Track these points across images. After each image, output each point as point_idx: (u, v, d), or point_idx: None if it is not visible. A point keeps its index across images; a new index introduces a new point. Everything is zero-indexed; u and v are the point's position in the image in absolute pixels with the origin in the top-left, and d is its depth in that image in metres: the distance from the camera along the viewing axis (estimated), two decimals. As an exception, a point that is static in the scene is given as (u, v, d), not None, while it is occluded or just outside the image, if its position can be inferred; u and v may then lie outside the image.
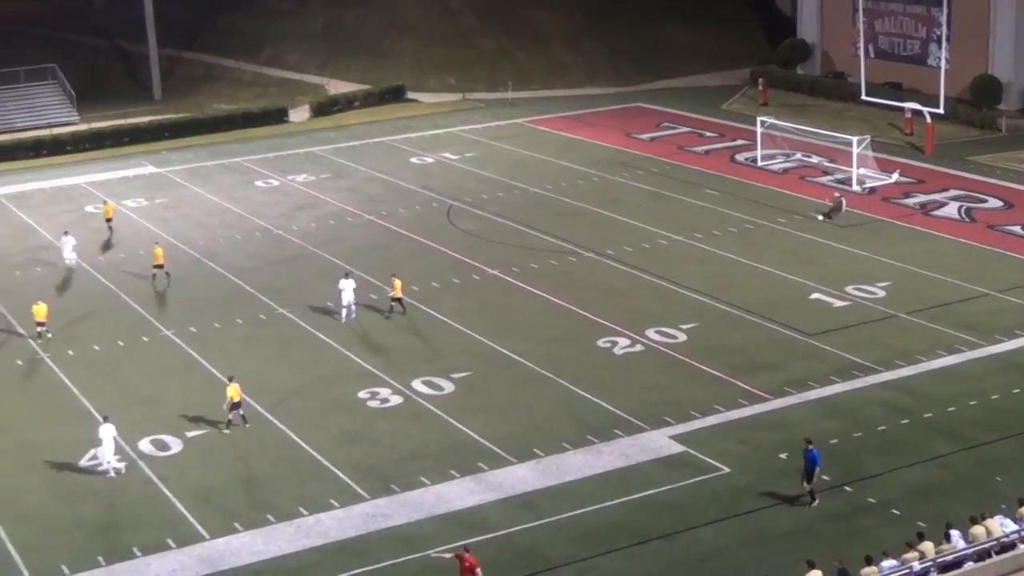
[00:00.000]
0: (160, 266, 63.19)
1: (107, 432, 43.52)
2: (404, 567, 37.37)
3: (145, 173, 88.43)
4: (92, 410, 48.94)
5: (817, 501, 40.05)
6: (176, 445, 45.81)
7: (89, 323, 58.58)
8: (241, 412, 46.71)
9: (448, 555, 36.21)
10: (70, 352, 55.13)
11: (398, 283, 57.27)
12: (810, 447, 40.17)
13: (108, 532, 40.11)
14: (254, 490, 42.41)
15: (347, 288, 56.60)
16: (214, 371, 52.16)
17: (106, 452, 43.56)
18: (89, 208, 78.23)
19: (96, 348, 55.53)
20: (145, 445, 45.78)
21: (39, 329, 55.98)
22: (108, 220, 72.96)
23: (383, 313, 57.23)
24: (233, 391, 46.54)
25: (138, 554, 38.73)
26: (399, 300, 57.08)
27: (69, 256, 66.13)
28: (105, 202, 75.08)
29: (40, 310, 56.15)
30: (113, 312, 60.04)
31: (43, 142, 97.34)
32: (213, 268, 66.03)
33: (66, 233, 67.50)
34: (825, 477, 40.70)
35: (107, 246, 70.24)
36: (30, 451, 45.22)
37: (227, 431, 46.52)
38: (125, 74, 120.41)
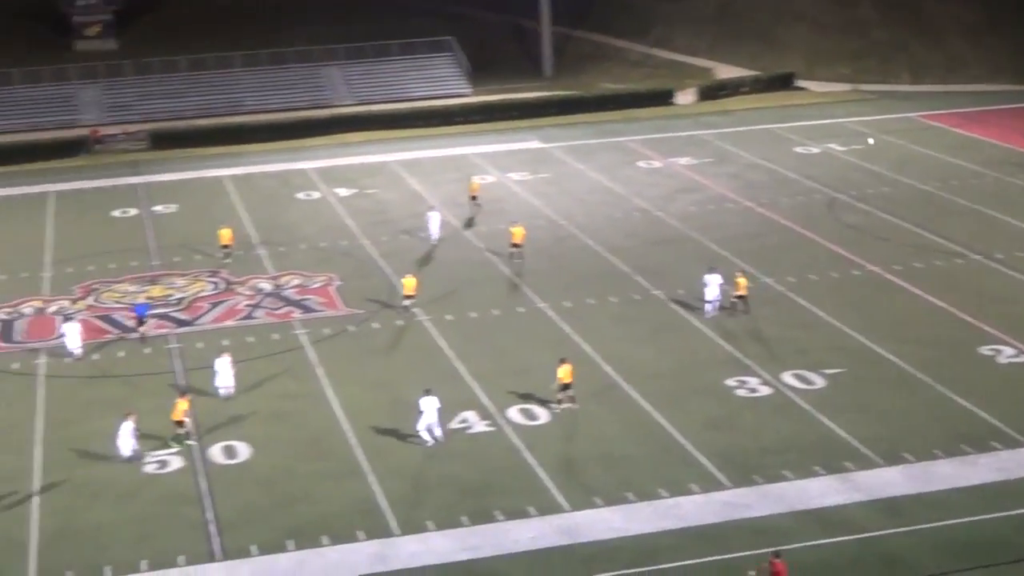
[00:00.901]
0: (518, 246, 63.64)
1: (429, 404, 44.30)
2: (759, 559, 36.66)
3: (530, 147, 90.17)
4: (464, 374, 50.23)
5: None
6: (543, 415, 46.42)
7: (467, 291, 60.06)
8: (570, 393, 46.82)
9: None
10: (448, 317, 56.68)
11: (742, 281, 55.92)
12: None
13: (472, 494, 41.01)
14: (616, 467, 42.52)
15: (712, 283, 55.74)
16: (585, 347, 52.65)
17: (425, 421, 44.29)
18: (479, 178, 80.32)
19: (473, 315, 56.89)
20: (513, 413, 46.60)
21: (406, 302, 57.18)
22: (473, 197, 73.90)
23: (732, 307, 56.02)
24: (564, 372, 46.65)
25: (500, 518, 39.45)
26: (742, 298, 55.79)
27: (434, 230, 67.53)
28: (472, 179, 76.10)
29: (409, 283, 57.33)
30: (490, 282, 61.40)
31: (436, 112, 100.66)
32: (590, 245, 66.66)
33: (432, 208, 69.35)
34: None
35: (470, 223, 71.41)
36: (403, 408, 46.68)
37: (558, 411, 46.74)
38: (518, 50, 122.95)
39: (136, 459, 43.34)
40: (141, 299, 59.01)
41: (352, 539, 38.47)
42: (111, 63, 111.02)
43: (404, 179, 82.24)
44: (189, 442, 44.52)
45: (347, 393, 48.79)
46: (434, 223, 67.79)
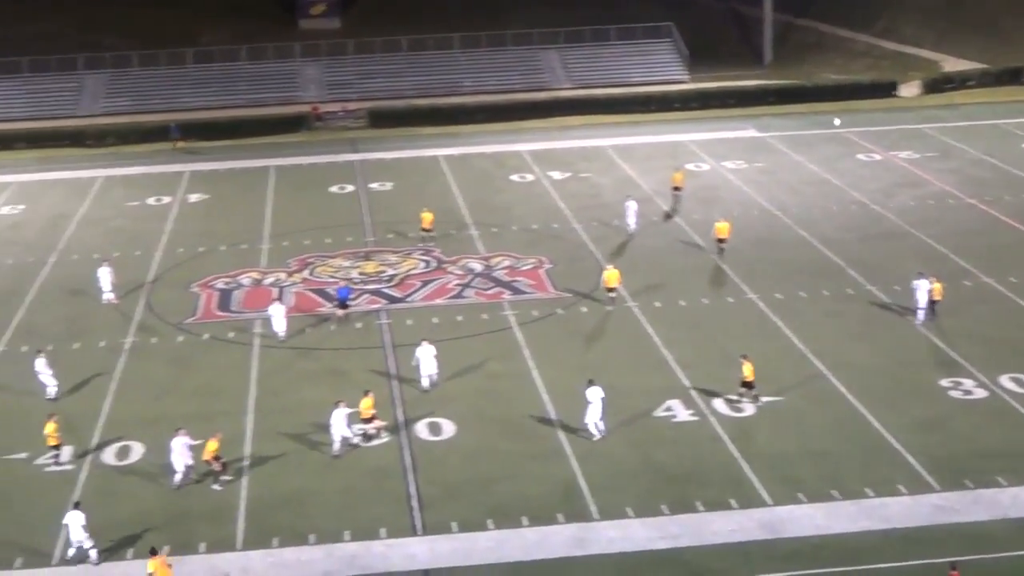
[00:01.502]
0: (723, 241, 62.43)
1: (595, 395, 43.66)
2: (967, 565, 35.59)
3: (746, 136, 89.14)
4: (671, 361, 49.88)
5: None
6: (749, 408, 45.78)
7: (676, 278, 59.60)
8: (754, 392, 45.97)
9: None
10: (656, 304, 56.35)
11: (938, 287, 53.48)
12: None
13: (674, 483, 40.68)
14: (821, 463, 41.70)
15: (921, 288, 53.69)
16: (795, 339, 51.83)
17: (592, 413, 43.66)
18: (692, 165, 79.74)
19: (682, 303, 56.45)
20: (719, 404, 46.07)
21: (610, 295, 56.47)
22: (676, 189, 72.40)
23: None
24: (748, 370, 45.66)
25: (700, 509, 39.07)
26: (934, 303, 53.51)
27: (631, 221, 66.68)
28: (676, 169, 74.88)
29: (612, 276, 56.56)
30: (700, 270, 60.85)
31: (652, 98, 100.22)
32: (804, 237, 65.56)
33: (629, 197, 68.74)
34: None
35: (671, 214, 70.40)
36: (607, 393, 46.52)
37: (745, 401, 46.02)
38: (738, 37, 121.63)
39: (343, 447, 43.37)
40: (344, 283, 59.41)
41: (551, 521, 38.52)
42: (334, 41, 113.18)
43: (618, 164, 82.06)
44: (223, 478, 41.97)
45: (552, 375, 48.87)
46: (631, 213, 67.00)
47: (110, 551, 37.50)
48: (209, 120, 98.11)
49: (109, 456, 43.60)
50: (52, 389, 48.65)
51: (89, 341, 54.31)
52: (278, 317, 53.62)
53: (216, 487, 41.11)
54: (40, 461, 42.99)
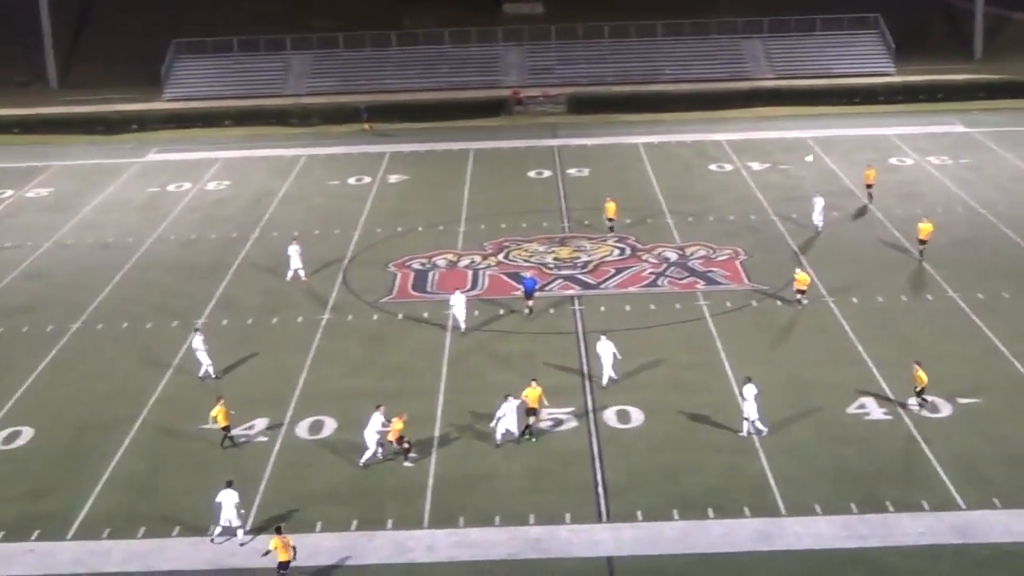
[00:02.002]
0: (924, 242, 60.26)
1: (750, 392, 42.67)
2: None
3: (953, 131, 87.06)
4: (866, 358, 48.97)
5: None
6: (945, 409, 44.67)
7: (874, 274, 58.50)
8: (926, 397, 44.38)
9: None
10: (853, 299, 55.35)
11: None
12: None
13: (863, 481, 39.89)
14: (1019, 469, 40.44)
15: None
16: (996, 341, 50.40)
17: (748, 410, 42.69)
18: (895, 160, 78.19)
19: (879, 300, 55.36)
20: (915, 403, 44.94)
21: (800, 297, 54.99)
22: (868, 187, 70.56)
23: None
24: (920, 377, 43.88)
25: (890, 509, 38.27)
26: None
27: (818, 218, 65.08)
28: (869, 166, 72.70)
29: (803, 278, 54.97)
30: (899, 267, 59.59)
31: (857, 90, 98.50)
32: (1009, 236, 63.74)
33: (817, 193, 67.30)
34: None
35: (861, 212, 68.85)
36: (799, 388, 45.98)
37: (923, 412, 44.45)
38: (947, 30, 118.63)
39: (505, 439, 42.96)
40: (529, 273, 57.72)
41: (738, 515, 38.16)
42: (536, 26, 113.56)
43: (820, 157, 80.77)
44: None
45: (744, 368, 48.32)
46: (818, 209, 65.30)
47: (297, 523, 38.31)
48: (410, 102, 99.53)
49: (302, 430, 44.52)
50: (208, 368, 49.35)
51: (287, 316, 55.53)
52: (459, 307, 53.24)
53: (407, 463, 41.66)
54: (236, 432, 44.09)
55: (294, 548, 35.29)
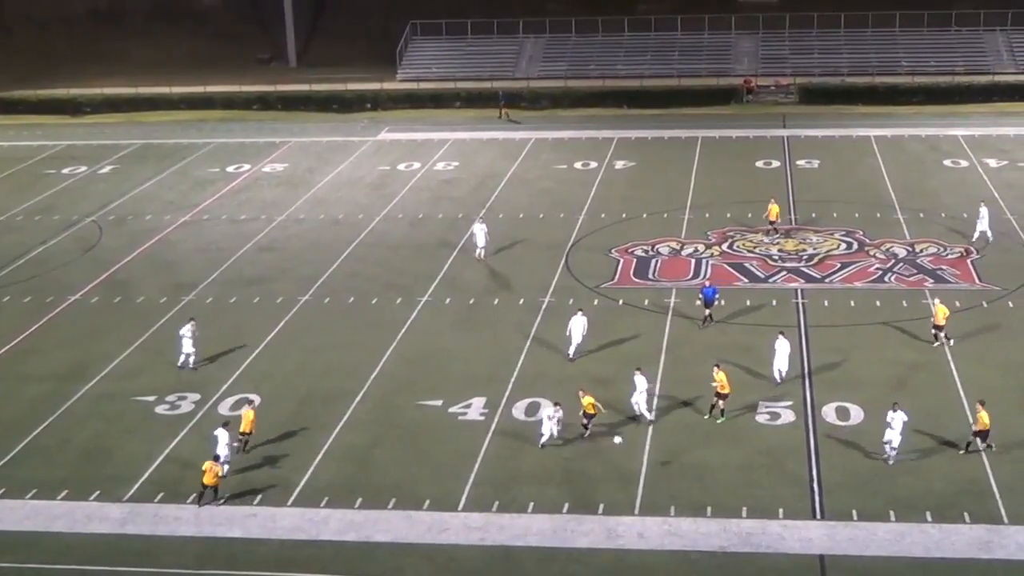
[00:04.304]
0: None
1: (899, 421, 40.25)
2: None
3: None
4: (1102, 367, 47.21)
5: None
6: None
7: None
8: (987, 444, 40.98)
9: None
10: (1090, 304, 53.46)
11: None
12: None
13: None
14: None
15: None
16: None
17: (892, 436, 40.28)
18: None
19: (1118, 305, 53.33)
20: None
21: (934, 332, 49.85)
22: None
23: None
24: (984, 418, 40.53)
25: (1120, 524, 36.88)
26: None
27: (985, 228, 61.23)
28: None
29: (941, 311, 49.97)
30: None
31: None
32: None
33: (982, 203, 63.28)
34: None
35: None
36: (1030, 394, 44.77)
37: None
38: None
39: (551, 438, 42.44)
40: (708, 283, 54.60)
41: (957, 520, 37.17)
42: (771, 15, 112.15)
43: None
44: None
45: (971, 370, 47.02)
46: (984, 218, 61.70)
47: (509, 502, 38.65)
48: (641, 88, 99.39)
49: (519, 411, 44.87)
50: (188, 359, 49.32)
51: (508, 298, 56.01)
52: (576, 329, 49.28)
53: (617, 440, 41.72)
54: (452, 409, 44.70)
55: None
